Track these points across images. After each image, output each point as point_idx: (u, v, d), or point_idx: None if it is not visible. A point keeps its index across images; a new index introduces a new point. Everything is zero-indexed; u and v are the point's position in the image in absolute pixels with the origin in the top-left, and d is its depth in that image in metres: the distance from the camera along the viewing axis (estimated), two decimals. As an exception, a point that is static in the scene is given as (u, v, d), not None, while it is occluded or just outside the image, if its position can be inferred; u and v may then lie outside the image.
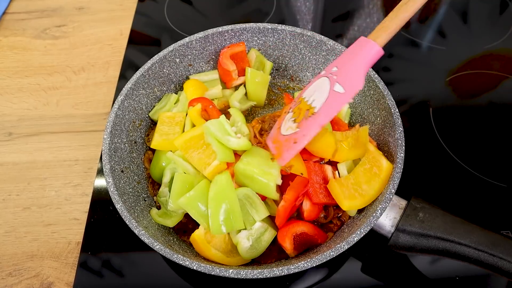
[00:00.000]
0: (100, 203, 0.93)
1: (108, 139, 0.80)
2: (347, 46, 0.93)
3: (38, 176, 1.01)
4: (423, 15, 1.34)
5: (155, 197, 0.86)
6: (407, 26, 1.30)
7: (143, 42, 1.28)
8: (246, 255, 0.75)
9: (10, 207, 0.97)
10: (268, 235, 0.76)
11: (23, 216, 0.95)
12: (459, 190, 0.94)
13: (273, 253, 0.79)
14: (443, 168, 0.97)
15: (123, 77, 1.17)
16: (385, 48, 1.25)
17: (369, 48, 0.72)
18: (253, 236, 0.75)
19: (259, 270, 0.64)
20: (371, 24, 1.31)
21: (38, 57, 1.25)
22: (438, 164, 0.98)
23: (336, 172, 0.82)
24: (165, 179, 0.84)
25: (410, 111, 1.08)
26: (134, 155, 0.89)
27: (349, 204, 0.75)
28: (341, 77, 0.73)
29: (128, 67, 1.20)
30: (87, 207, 0.94)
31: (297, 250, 0.76)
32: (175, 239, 0.78)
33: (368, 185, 0.75)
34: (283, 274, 0.64)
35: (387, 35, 0.72)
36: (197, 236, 0.74)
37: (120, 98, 0.85)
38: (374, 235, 0.74)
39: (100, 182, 0.97)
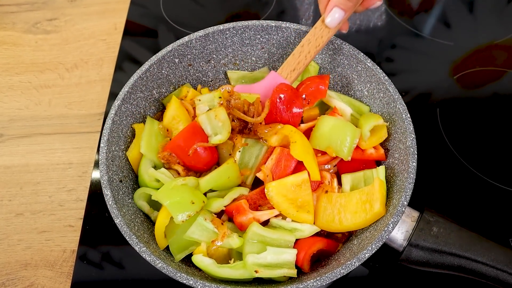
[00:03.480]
0: (96, 208, 0.90)
1: (105, 148, 0.76)
2: (349, 42, 0.89)
3: (30, 181, 0.97)
4: (428, 4, 1.30)
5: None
6: (410, 16, 1.26)
7: (139, 33, 1.23)
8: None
9: (2, 213, 0.93)
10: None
11: (16, 223, 0.92)
12: (464, 193, 0.91)
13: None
14: (447, 167, 0.95)
15: (119, 69, 1.13)
16: (388, 38, 1.24)
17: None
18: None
19: (267, 290, 0.61)
20: (373, 15, 1.26)
21: (29, 53, 1.20)
22: (442, 162, 0.96)
23: (335, 180, 0.79)
24: (145, 209, 0.80)
25: (413, 103, 1.05)
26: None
27: (322, 225, 0.74)
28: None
29: (124, 59, 1.16)
30: (82, 213, 0.91)
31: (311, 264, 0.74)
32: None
33: (352, 216, 0.72)
34: (291, 293, 0.61)
35: (296, 75, 0.87)
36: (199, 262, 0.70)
37: (117, 103, 0.80)
38: (383, 246, 0.70)
39: (95, 186, 0.93)
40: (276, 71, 0.87)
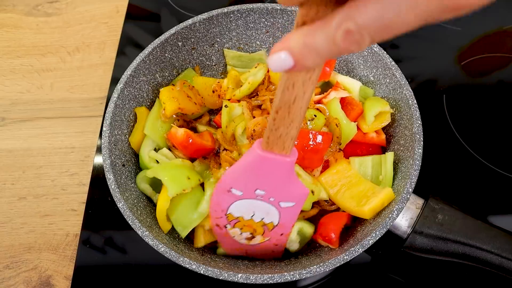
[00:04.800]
0: (98, 193, 0.90)
1: (108, 132, 0.75)
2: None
3: (33, 164, 0.97)
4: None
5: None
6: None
7: (141, 17, 1.21)
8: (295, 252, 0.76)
9: (6, 196, 0.93)
10: (309, 229, 0.75)
11: (19, 206, 0.92)
12: (470, 180, 0.90)
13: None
14: (452, 154, 0.94)
15: (122, 54, 1.12)
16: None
17: (288, 165, 0.56)
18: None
19: (270, 275, 0.61)
20: None
21: (30, 36, 1.19)
22: (447, 149, 0.94)
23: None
24: (148, 192, 0.80)
25: (419, 90, 1.03)
26: (136, 147, 0.84)
27: (322, 183, 0.75)
28: (279, 196, 0.62)
29: (126, 44, 1.14)
30: (84, 197, 0.91)
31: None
32: (180, 236, 0.75)
33: (348, 197, 0.73)
34: (294, 279, 0.61)
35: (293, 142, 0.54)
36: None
37: (119, 86, 0.79)
38: (386, 232, 0.70)
39: (98, 170, 0.93)
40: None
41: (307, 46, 0.37)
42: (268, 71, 0.88)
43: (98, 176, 0.92)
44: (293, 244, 0.75)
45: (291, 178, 0.59)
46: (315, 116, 0.78)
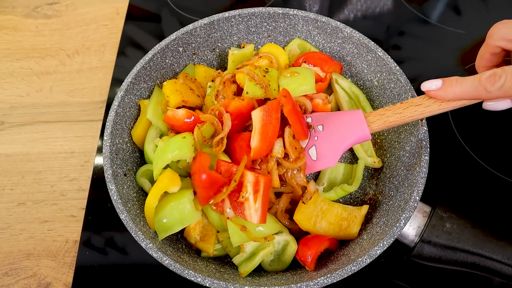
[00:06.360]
0: (98, 199, 0.89)
1: (109, 141, 0.74)
2: (356, 27, 0.87)
3: (32, 169, 0.96)
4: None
5: None
6: (420, 2, 1.23)
7: (142, 18, 1.20)
8: (270, 268, 0.74)
9: (4, 202, 0.92)
10: (291, 250, 0.73)
11: (18, 212, 0.91)
12: (475, 188, 0.89)
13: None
14: (456, 161, 0.93)
15: (122, 54, 1.11)
16: (396, 25, 1.20)
17: (361, 130, 0.70)
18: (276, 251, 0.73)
19: (277, 287, 0.59)
20: (381, 0, 1.23)
21: (29, 38, 1.17)
22: (451, 156, 0.93)
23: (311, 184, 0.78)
24: (146, 187, 0.79)
25: (420, 91, 1.02)
26: (138, 154, 0.83)
27: (298, 219, 0.74)
28: (320, 144, 0.73)
29: (127, 44, 1.13)
30: (84, 203, 0.90)
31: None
32: (184, 246, 0.74)
33: (326, 225, 0.73)
34: (300, 290, 0.60)
35: (383, 125, 0.70)
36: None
37: (120, 94, 0.78)
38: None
39: (97, 176, 0.92)
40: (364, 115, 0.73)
41: (457, 79, 0.61)
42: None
43: (97, 182, 0.91)
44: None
45: (344, 146, 0.71)
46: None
